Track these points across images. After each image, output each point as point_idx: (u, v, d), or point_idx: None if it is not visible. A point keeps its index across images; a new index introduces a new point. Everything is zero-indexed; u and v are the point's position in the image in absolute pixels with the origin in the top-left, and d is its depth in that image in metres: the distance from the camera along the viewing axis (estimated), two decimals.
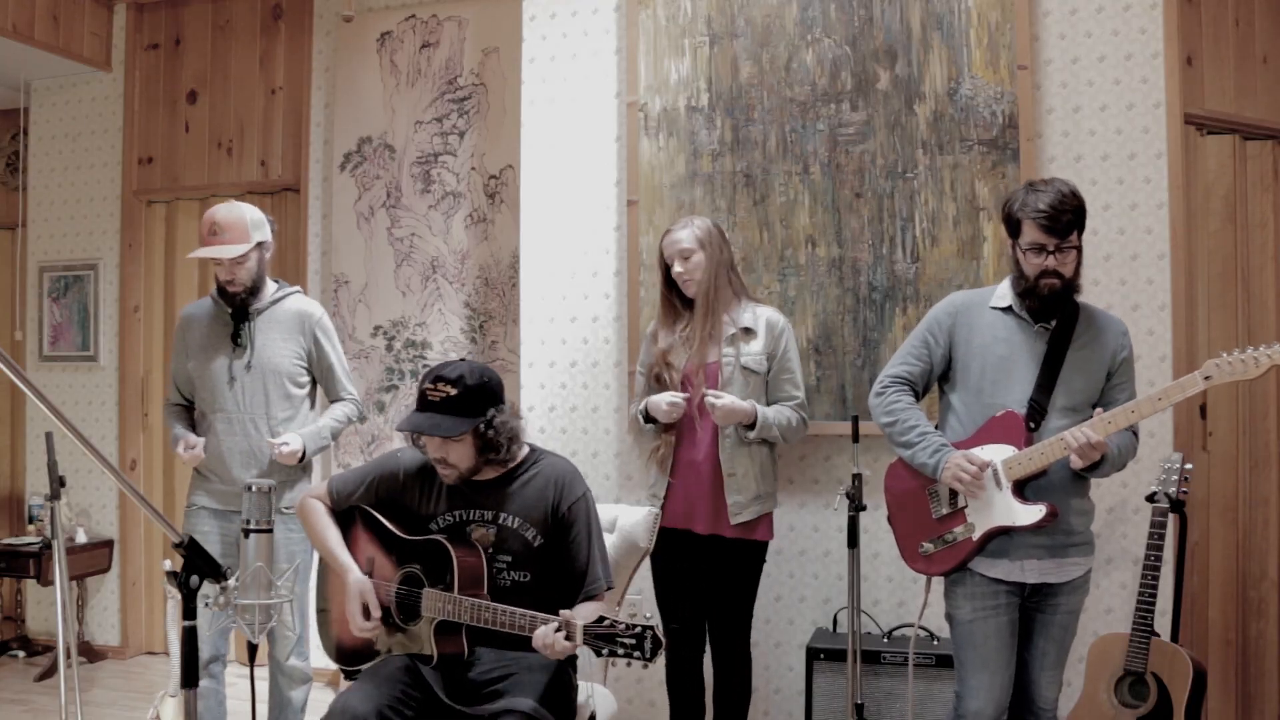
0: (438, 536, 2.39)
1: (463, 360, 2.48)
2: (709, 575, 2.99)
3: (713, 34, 3.52)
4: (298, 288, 3.28)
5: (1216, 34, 3.38)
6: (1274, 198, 3.45)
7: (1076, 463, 2.34)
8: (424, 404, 2.37)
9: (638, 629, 2.00)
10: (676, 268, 2.99)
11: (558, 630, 2.12)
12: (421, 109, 4.35)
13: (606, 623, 2.04)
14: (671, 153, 3.55)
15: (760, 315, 3.01)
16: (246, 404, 3.09)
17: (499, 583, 2.40)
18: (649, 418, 3.00)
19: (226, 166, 4.73)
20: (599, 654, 2.04)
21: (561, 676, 2.37)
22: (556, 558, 2.43)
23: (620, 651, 2.01)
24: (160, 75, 4.87)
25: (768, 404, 2.98)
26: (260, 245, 3.10)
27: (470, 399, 2.35)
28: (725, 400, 2.86)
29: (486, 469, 2.45)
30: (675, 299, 3.06)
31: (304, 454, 3.09)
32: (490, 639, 2.35)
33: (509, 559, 2.41)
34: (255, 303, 3.13)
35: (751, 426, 2.90)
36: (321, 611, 2.62)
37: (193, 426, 3.18)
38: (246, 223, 3.08)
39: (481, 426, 2.36)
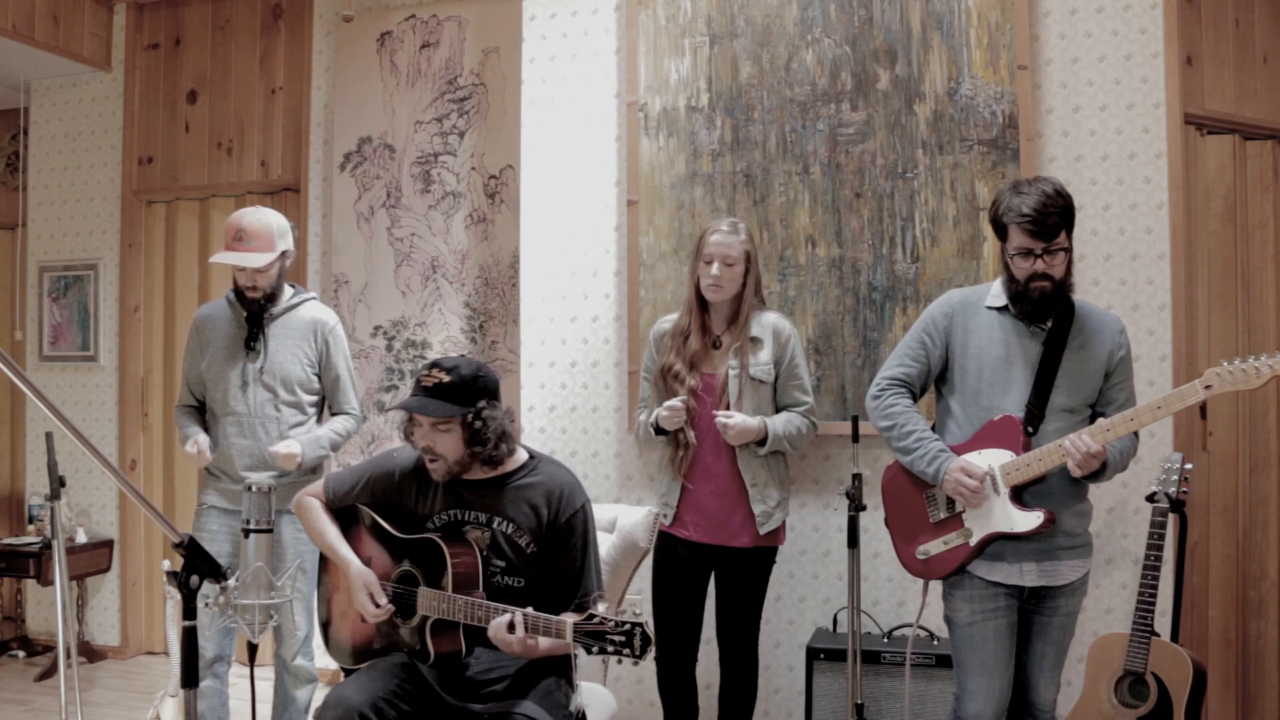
0: (433, 535, 2.39)
1: (463, 356, 2.48)
2: (721, 582, 2.97)
3: (713, 34, 3.51)
4: (314, 294, 3.28)
5: (1216, 34, 3.38)
6: (1274, 198, 3.45)
7: (1076, 472, 2.32)
8: (417, 389, 2.40)
9: (626, 626, 1.99)
10: (715, 269, 2.88)
11: (510, 629, 2.14)
12: (421, 109, 4.35)
13: (596, 620, 2.03)
14: (671, 153, 3.54)
15: (766, 323, 2.96)
16: (257, 408, 3.09)
17: (494, 584, 2.40)
18: (660, 429, 2.95)
19: (226, 166, 4.73)
20: (589, 652, 2.03)
21: (559, 677, 2.36)
22: (550, 567, 2.42)
23: (610, 649, 2.00)
24: (160, 75, 4.87)
25: (776, 411, 2.95)
26: (284, 254, 3.11)
27: (462, 388, 2.35)
28: (736, 420, 2.82)
29: (478, 468, 2.44)
30: (699, 301, 2.96)
31: (301, 461, 3.09)
32: (489, 640, 2.35)
33: (502, 564, 2.41)
34: (271, 308, 3.13)
35: (763, 443, 2.88)
36: (324, 620, 2.63)
37: (205, 428, 3.18)
38: (273, 231, 3.08)
39: (469, 417, 2.35)
